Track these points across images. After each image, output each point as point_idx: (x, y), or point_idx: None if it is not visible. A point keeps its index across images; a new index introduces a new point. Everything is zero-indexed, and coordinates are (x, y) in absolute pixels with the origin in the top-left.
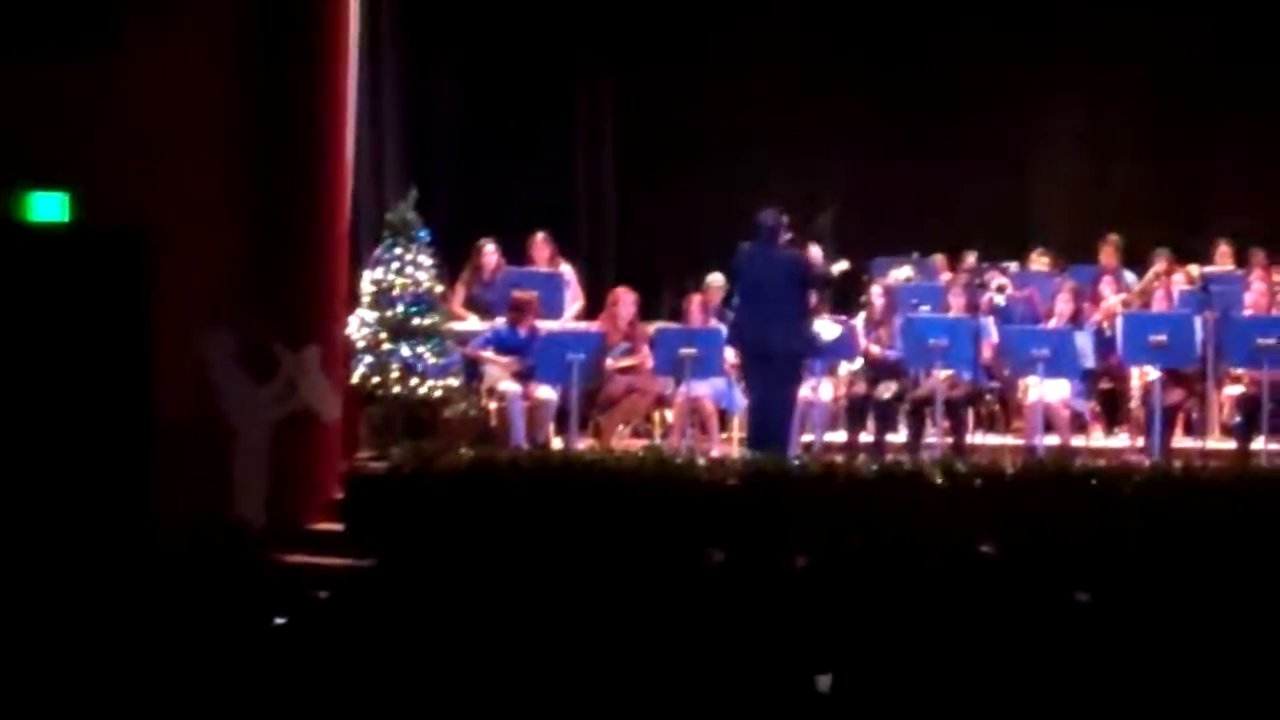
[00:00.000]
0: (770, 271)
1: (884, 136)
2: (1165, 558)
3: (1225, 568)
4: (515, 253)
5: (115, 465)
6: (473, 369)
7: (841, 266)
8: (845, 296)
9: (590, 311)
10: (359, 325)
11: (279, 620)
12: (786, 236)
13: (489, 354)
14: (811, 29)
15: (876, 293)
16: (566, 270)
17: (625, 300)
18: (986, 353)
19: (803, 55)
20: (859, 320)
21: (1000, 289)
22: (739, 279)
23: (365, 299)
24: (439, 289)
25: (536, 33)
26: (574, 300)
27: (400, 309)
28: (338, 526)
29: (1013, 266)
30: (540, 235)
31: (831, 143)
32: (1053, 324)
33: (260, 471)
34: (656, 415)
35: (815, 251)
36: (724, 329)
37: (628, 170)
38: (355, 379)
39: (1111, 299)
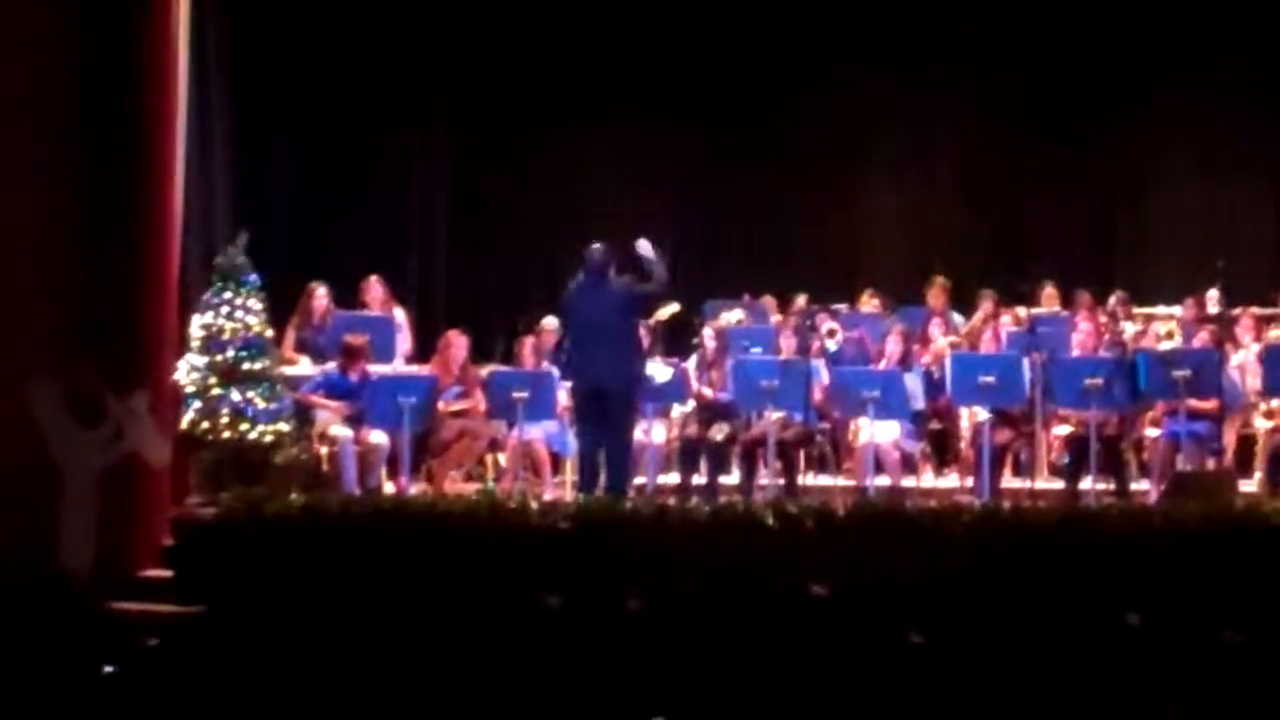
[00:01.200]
0: (602, 307)
1: (715, 180)
2: (995, 598)
3: (1054, 607)
4: (349, 296)
5: None
6: (304, 413)
7: (672, 309)
8: (677, 339)
9: (422, 354)
10: (188, 370)
11: (108, 668)
12: (615, 272)
13: (320, 398)
14: (641, 77)
15: (708, 335)
16: (398, 313)
17: (457, 343)
18: (818, 394)
19: (633, 102)
20: (691, 363)
21: (831, 333)
22: (570, 317)
23: (194, 343)
24: (269, 333)
25: (370, 74)
26: (404, 343)
27: (230, 353)
28: (167, 573)
29: (843, 308)
30: (374, 278)
31: (662, 186)
32: (883, 365)
33: (88, 518)
34: (489, 459)
35: (643, 244)
36: (557, 372)
37: (460, 211)
38: (184, 424)
39: (940, 340)
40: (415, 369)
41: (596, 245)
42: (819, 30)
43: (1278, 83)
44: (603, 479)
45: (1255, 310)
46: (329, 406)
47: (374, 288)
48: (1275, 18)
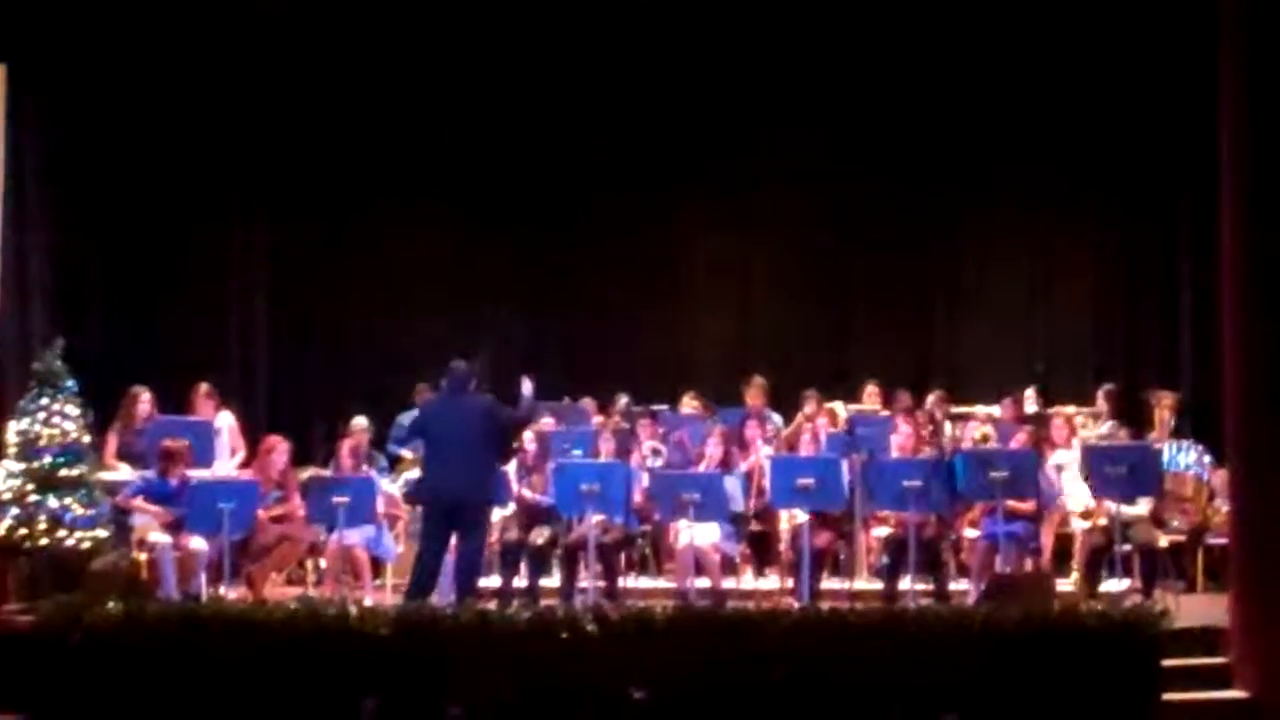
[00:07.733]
0: (462, 421)
1: (535, 284)
2: (814, 700)
3: (873, 710)
4: (173, 401)
5: None
6: (122, 519)
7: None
8: None
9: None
10: (4, 476)
11: None
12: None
13: (139, 503)
14: (462, 179)
15: (529, 438)
16: (225, 419)
17: (279, 449)
18: (638, 497)
19: (453, 203)
20: (511, 466)
21: (655, 452)
22: (429, 430)
23: (11, 450)
24: (87, 439)
25: (189, 179)
26: (235, 449)
27: (47, 460)
28: None
29: (664, 409)
30: (204, 387)
31: (480, 289)
32: (703, 468)
33: None
34: (309, 563)
35: (526, 384)
36: (375, 475)
37: (279, 317)
38: (1, 531)
39: (763, 451)
40: (236, 474)
41: (460, 362)
42: (639, 133)
43: (1094, 190)
44: (449, 586)
45: (1070, 410)
46: (149, 511)
47: (203, 395)
48: (1088, 132)
